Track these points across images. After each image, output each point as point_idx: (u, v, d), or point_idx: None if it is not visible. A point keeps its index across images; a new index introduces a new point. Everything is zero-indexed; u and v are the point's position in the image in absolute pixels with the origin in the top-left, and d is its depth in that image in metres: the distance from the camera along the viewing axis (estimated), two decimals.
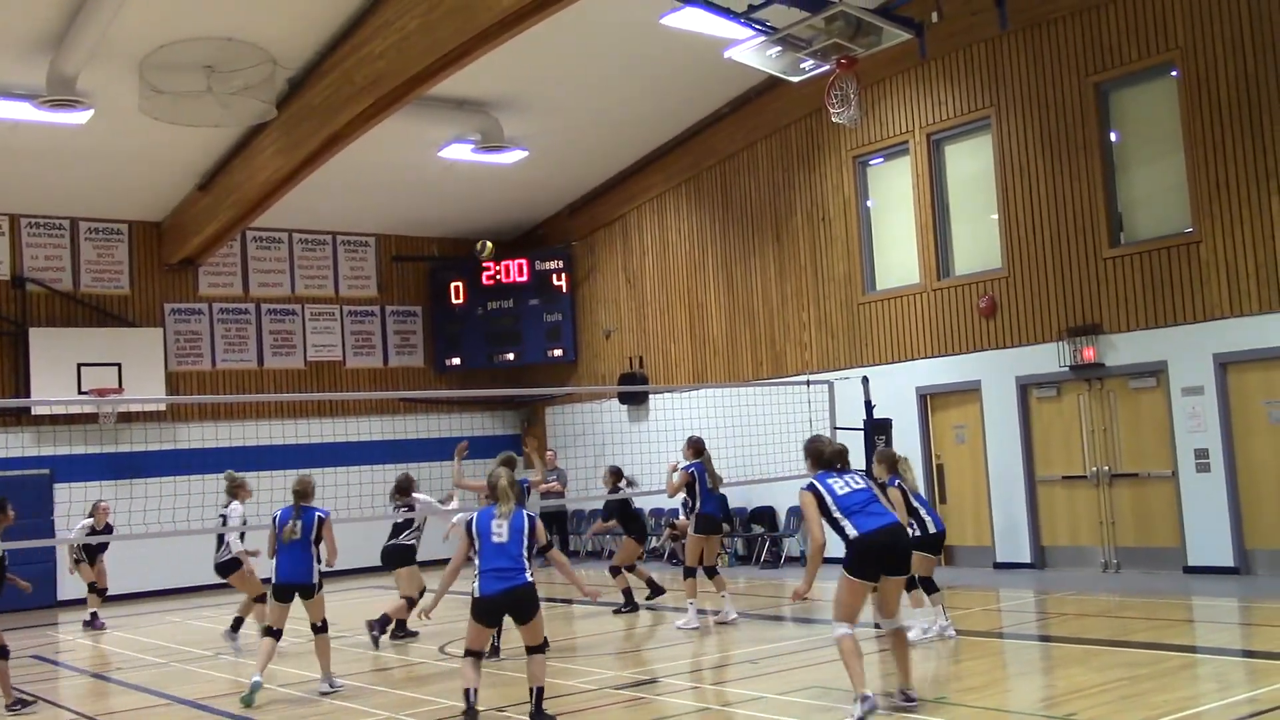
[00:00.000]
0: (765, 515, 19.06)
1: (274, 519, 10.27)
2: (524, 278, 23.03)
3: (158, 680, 11.47)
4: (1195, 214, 14.32)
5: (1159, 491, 14.75)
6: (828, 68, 14.45)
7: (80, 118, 15.46)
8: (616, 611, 13.90)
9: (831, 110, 15.28)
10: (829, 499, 7.92)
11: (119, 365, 19.46)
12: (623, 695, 9.04)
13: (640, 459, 18.25)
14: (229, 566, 12.83)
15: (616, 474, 15.01)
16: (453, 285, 23.31)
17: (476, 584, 7.93)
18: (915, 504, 10.84)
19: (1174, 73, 14.58)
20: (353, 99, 14.66)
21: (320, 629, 10.11)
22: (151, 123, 15.32)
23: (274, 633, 10.04)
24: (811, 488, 7.99)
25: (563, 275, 22.95)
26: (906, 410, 16.82)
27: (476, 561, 8.02)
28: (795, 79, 15.94)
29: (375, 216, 22.46)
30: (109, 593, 16.39)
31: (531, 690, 7.98)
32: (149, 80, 14.22)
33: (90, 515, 15.54)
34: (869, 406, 15.36)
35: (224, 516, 12.71)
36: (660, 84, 18.12)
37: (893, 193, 17.86)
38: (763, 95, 18.56)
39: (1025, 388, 16.00)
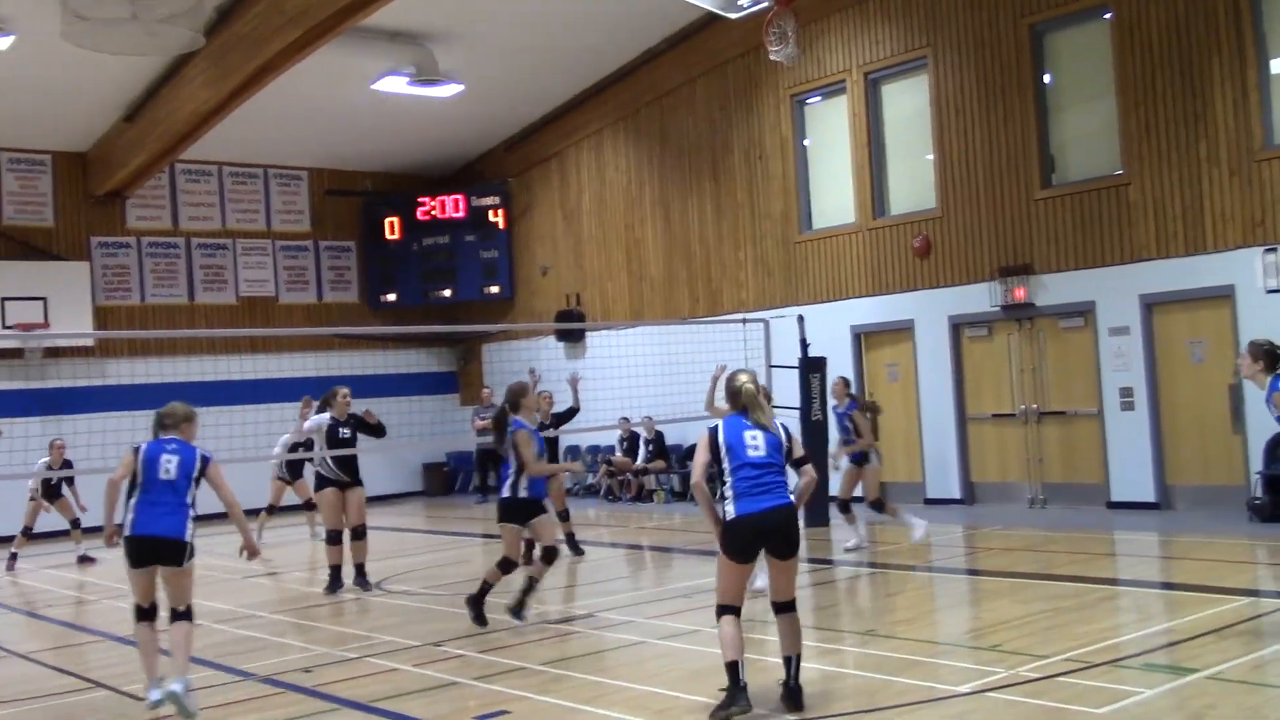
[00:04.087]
0: None
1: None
2: (460, 214, 22.82)
3: (87, 617, 11.39)
4: (1125, 156, 14.50)
5: (1085, 429, 15.07)
6: (766, 5, 14.40)
7: (0, 44, 15.00)
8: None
9: (769, 48, 15.25)
10: None
11: (44, 300, 19.05)
12: (559, 630, 9.13)
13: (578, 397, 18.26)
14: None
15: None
16: (387, 221, 23.05)
17: (730, 506, 6.48)
18: None
19: (1107, 15, 14.69)
20: (282, 29, 14.34)
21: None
22: (75, 50, 14.87)
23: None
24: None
25: (499, 211, 22.77)
26: (841, 349, 16.98)
27: (727, 480, 6.53)
28: (733, 15, 15.89)
29: (308, 150, 22.09)
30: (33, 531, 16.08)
31: (786, 660, 6.56)
32: (72, 6, 13.78)
33: None
34: (804, 345, 15.48)
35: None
36: (598, 19, 17.93)
37: (829, 132, 17.88)
38: (701, 32, 18.44)
39: (957, 327, 16.21)
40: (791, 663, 6.54)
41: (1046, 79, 15.46)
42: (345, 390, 12.06)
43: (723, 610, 6.51)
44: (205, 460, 7.42)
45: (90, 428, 15.32)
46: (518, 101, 20.96)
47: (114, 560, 15.58)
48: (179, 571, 7.23)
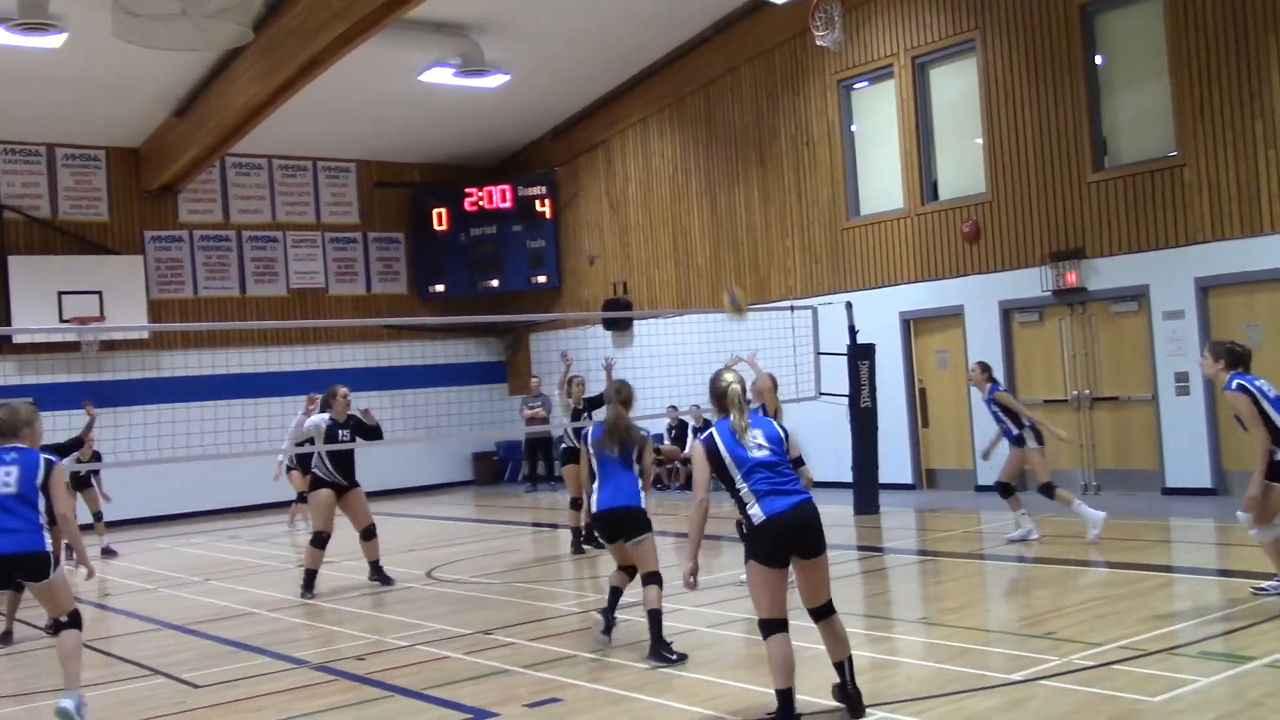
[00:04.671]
0: None
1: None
2: (507, 204, 22.89)
3: (146, 605, 11.55)
4: (1179, 137, 14.28)
5: (1139, 414, 14.88)
6: None
7: (53, 41, 15.22)
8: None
9: (816, 33, 15.18)
10: (1265, 402, 7.68)
11: (100, 293, 19.36)
12: None
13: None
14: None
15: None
16: (435, 212, 23.18)
17: (755, 508, 5.97)
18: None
19: None
20: (330, 22, 14.45)
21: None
22: (126, 46, 15.05)
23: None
24: (1242, 388, 7.69)
25: (546, 201, 22.82)
26: (890, 335, 16.87)
27: (742, 487, 6.06)
28: (779, 1, 15.80)
29: (356, 142, 22.25)
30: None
31: (838, 666, 6.05)
32: (122, 3, 13.95)
33: None
34: (852, 332, 15.39)
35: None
36: (643, 6, 17.90)
37: (877, 117, 17.75)
38: (746, 18, 18.36)
39: (1008, 312, 16.05)
40: (844, 668, 6.02)
41: (1098, 60, 15.24)
42: (344, 390, 11.67)
43: (769, 627, 5.85)
44: (50, 464, 6.81)
45: (145, 419, 15.53)
46: (563, 91, 20.98)
47: (137, 553, 15.84)
48: (46, 585, 6.79)
